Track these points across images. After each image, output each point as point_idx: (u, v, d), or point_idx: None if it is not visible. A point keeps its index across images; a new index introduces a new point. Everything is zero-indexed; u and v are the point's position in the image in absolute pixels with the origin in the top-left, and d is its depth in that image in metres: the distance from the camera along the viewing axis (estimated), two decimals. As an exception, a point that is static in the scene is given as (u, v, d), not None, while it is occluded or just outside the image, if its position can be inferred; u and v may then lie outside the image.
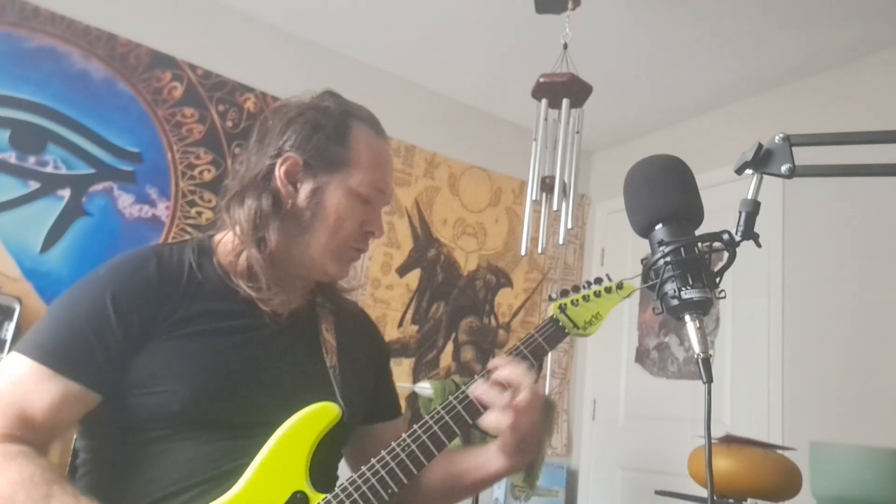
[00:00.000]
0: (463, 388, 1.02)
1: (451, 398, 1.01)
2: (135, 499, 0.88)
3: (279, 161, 1.04)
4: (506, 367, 1.00)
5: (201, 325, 0.98)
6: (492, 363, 1.03)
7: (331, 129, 1.05)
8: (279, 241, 1.03)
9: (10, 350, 2.06)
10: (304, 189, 1.04)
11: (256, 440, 0.95)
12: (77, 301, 0.96)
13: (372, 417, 1.19)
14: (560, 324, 1.11)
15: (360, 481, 0.95)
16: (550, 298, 1.16)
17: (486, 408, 1.00)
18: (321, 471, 0.99)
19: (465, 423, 1.00)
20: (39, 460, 0.86)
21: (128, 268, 0.99)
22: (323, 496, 0.95)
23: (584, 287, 1.16)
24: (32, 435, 0.88)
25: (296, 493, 0.93)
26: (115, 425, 0.95)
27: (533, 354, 1.07)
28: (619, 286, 1.17)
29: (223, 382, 0.96)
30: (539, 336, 1.09)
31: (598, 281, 1.17)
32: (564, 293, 1.15)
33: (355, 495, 0.94)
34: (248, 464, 0.94)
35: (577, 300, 1.14)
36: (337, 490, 0.95)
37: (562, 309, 1.12)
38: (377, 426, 1.20)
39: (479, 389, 0.99)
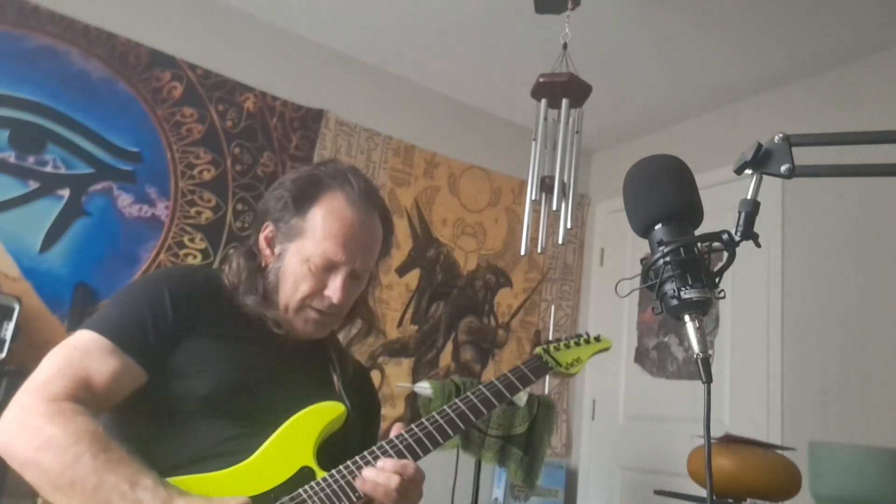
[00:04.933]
0: (455, 401, 1.14)
1: (445, 406, 1.13)
2: (155, 466, 0.94)
3: (262, 227, 1.20)
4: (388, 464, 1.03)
5: (232, 330, 1.12)
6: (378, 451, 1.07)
7: (291, 201, 1.16)
8: (263, 289, 1.17)
9: (9, 349, 2.06)
10: (276, 253, 1.18)
11: (263, 435, 1.04)
12: (139, 291, 1.11)
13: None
14: (543, 360, 1.31)
15: (360, 462, 1.03)
16: (537, 345, 1.38)
17: (465, 424, 1.12)
18: (328, 464, 1.05)
19: (449, 433, 1.09)
20: (98, 421, 0.97)
21: (181, 273, 1.21)
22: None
23: (565, 338, 1.41)
24: (91, 400, 0.99)
25: (303, 467, 1.03)
26: (143, 406, 1.05)
27: (520, 381, 1.23)
28: (597, 339, 1.44)
29: (245, 379, 1.08)
30: (525, 368, 1.26)
31: (579, 335, 1.43)
32: (548, 342, 1.38)
33: (357, 472, 1.01)
34: (255, 448, 1.03)
35: (559, 346, 1.37)
36: (340, 466, 1.03)
37: (546, 350, 1.34)
38: None
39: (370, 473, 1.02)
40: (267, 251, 1.19)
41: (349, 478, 1.01)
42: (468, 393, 1.16)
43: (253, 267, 1.17)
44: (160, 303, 1.07)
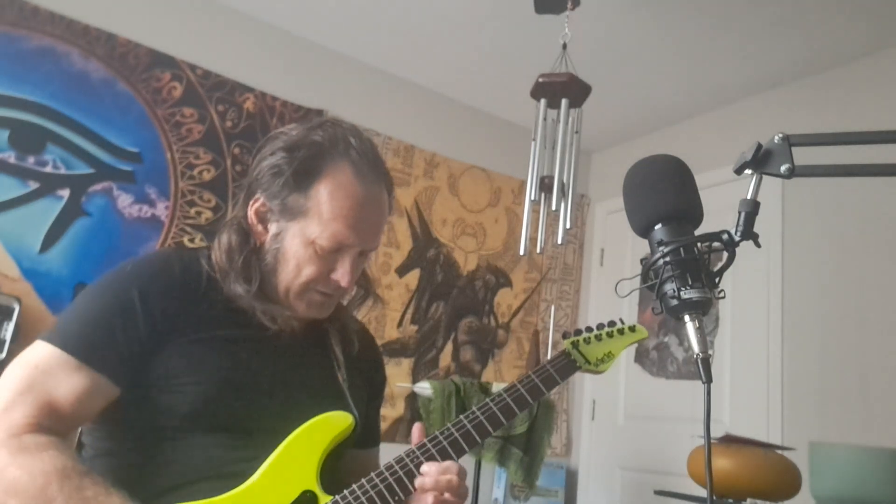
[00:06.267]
0: (461, 417, 1.06)
1: (450, 425, 1.04)
2: (140, 489, 0.89)
3: (251, 200, 1.06)
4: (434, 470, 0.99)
5: (215, 331, 1.00)
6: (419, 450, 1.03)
7: (291, 176, 1.01)
8: (259, 277, 1.04)
9: (9, 350, 2.06)
10: (271, 230, 1.05)
11: (261, 449, 0.97)
12: (105, 295, 0.98)
13: (358, 442, 1.16)
14: (572, 357, 1.15)
15: (367, 486, 0.97)
16: (564, 336, 1.19)
17: (482, 437, 1.04)
18: (330, 476, 1.00)
19: (461, 449, 1.03)
20: (69, 452, 0.89)
21: (154, 268, 1.02)
22: (331, 497, 0.97)
23: (597, 328, 1.21)
24: (59, 425, 0.90)
25: (305, 491, 0.96)
26: (126, 421, 0.97)
27: (544, 384, 1.10)
28: (632, 329, 1.23)
29: (230, 388, 0.98)
30: (551, 367, 1.12)
31: (612, 323, 1.22)
32: (578, 332, 1.19)
33: (363, 498, 0.96)
34: (253, 467, 0.95)
35: (590, 338, 1.19)
36: (345, 492, 0.97)
37: (574, 345, 1.17)
38: (358, 451, 1.17)
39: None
40: (259, 227, 1.05)
41: (362, 499, 0.96)
42: (487, 400, 1.07)
43: (248, 249, 1.04)
44: (130, 307, 0.95)
